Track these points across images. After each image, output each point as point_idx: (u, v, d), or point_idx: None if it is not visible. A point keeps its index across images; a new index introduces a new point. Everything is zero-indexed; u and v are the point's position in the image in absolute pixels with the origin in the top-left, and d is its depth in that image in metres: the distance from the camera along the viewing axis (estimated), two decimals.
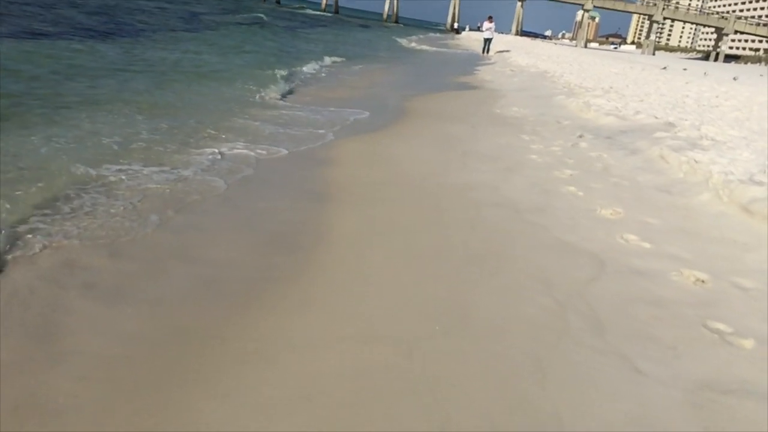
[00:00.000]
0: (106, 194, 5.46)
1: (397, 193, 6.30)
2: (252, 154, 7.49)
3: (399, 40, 50.71)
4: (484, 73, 20.51)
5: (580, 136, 9.18)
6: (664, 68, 30.09)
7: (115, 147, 6.87)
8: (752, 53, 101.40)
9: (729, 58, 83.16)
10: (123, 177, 5.79)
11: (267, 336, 3.51)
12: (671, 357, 3.36)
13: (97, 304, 3.72)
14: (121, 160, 6.37)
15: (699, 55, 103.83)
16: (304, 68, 16.41)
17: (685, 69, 32.83)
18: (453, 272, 4.45)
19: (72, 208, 5.02)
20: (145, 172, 6.10)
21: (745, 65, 68.93)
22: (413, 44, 46.90)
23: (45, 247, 4.31)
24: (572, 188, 6.47)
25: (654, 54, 79.90)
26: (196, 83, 12.26)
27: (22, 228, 4.51)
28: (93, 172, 5.96)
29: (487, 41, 33.99)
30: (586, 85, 15.89)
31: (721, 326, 3.66)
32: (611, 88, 15.37)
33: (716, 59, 79.96)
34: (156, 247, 4.65)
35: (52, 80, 10.48)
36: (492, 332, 3.62)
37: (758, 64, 72.18)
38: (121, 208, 5.20)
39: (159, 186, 5.88)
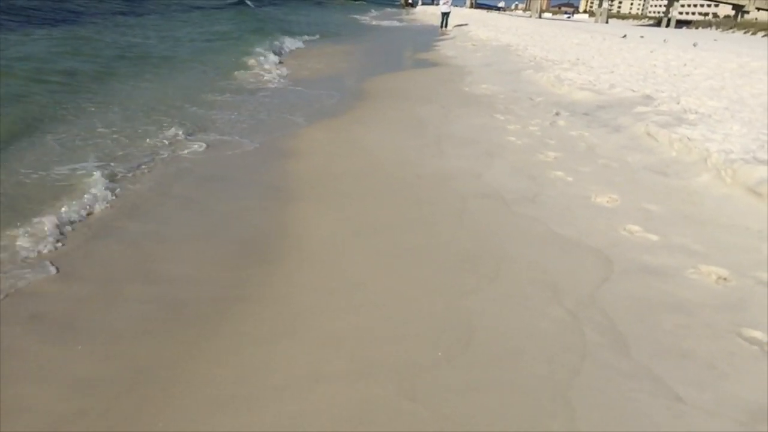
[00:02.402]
0: (52, 198, 4.82)
1: (372, 186, 5.77)
2: (211, 147, 6.86)
3: (356, 16, 49.74)
4: (445, 49, 19.92)
5: (557, 114, 8.75)
6: (624, 36, 29.94)
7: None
8: (702, 18, 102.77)
9: (680, 23, 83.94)
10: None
11: (243, 374, 2.97)
12: (712, 378, 2.93)
13: (45, 344, 3.13)
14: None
15: (651, 22, 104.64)
16: (258, 48, 15.50)
17: (642, 36, 32.74)
18: (447, 278, 3.96)
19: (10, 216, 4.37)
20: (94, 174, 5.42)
21: (697, 30, 69.67)
22: (370, 20, 46.09)
23: None
24: (560, 173, 6.02)
25: (607, 22, 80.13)
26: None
27: None
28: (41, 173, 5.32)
29: (445, 15, 33.24)
30: (552, 57, 15.48)
31: (757, 334, 3.26)
32: (578, 60, 15.00)
33: (668, 25, 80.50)
34: (109, 264, 4.05)
35: None
36: (503, 356, 3.14)
37: (709, 28, 73.01)
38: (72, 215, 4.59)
39: (110, 187, 5.24)
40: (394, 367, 3.04)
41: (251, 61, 13.53)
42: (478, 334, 3.30)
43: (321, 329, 3.37)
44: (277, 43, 17.65)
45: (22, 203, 4.76)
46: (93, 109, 8.06)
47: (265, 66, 13.35)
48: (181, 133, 7.17)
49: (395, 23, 44.01)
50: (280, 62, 14.41)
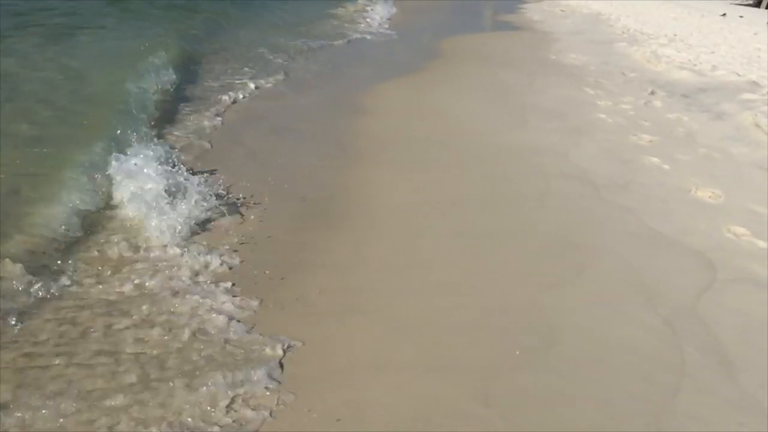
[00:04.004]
0: None
1: (448, 154, 5.39)
2: (285, 96, 6.63)
3: None
4: (531, 12, 18.94)
5: (652, 93, 8.09)
6: (724, 15, 28.01)
7: None
8: None
9: None
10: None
11: (304, 353, 2.72)
12: None
13: None
14: None
15: (750, 1, 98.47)
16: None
17: (741, 16, 30.57)
18: (527, 267, 3.61)
19: None
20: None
21: None
22: None
23: None
24: (655, 159, 5.50)
25: None
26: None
27: None
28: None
29: None
30: (647, 31, 14.49)
31: None
32: (675, 35, 13.97)
33: None
34: None
35: None
36: (589, 365, 2.79)
37: None
38: None
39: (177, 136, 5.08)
40: (465, 363, 2.74)
41: (339, 10, 13.17)
42: (561, 336, 2.96)
43: (387, 311, 3.09)
44: None
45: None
46: None
47: (348, 14, 13.00)
48: (254, 79, 6.93)
49: None
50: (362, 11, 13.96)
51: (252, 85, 6.71)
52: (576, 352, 2.86)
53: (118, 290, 3.01)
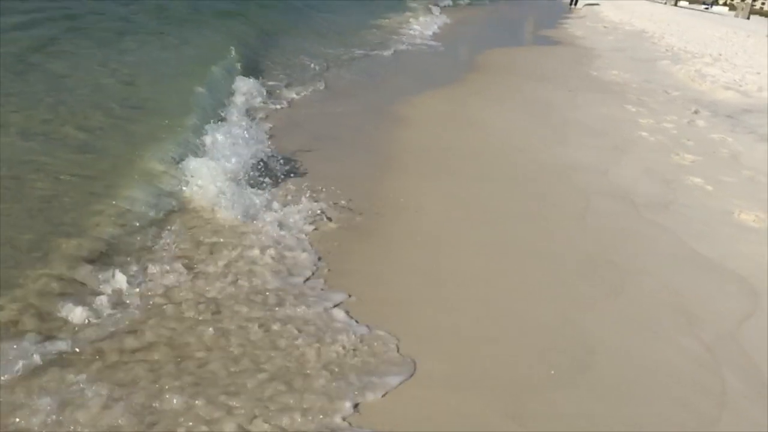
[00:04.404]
0: None
1: (485, 167, 5.37)
2: (324, 102, 6.69)
3: None
4: (573, 28, 18.85)
5: (696, 112, 7.96)
6: None
7: None
8: None
9: None
10: None
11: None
12: None
13: None
14: None
15: None
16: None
17: None
18: (563, 286, 3.56)
19: None
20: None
21: None
22: None
23: None
24: (698, 180, 5.40)
25: (749, 18, 74.04)
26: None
27: None
28: None
29: None
30: (691, 49, 14.29)
31: None
32: (720, 55, 13.75)
33: None
34: None
35: None
36: (626, 387, 2.74)
37: None
38: None
39: None
40: (498, 379, 2.71)
41: (383, 21, 13.32)
42: (597, 357, 2.91)
43: (419, 322, 3.07)
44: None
45: None
46: None
47: (392, 24, 13.14)
48: (295, 86, 7.03)
49: None
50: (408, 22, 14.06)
51: (293, 94, 6.79)
52: (612, 374, 2.81)
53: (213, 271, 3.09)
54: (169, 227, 3.49)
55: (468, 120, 6.80)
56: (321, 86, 7.40)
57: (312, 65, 8.27)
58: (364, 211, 4.28)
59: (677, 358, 2.97)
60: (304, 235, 3.71)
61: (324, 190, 4.48)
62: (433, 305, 3.23)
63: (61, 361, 2.36)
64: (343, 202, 4.34)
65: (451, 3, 19.35)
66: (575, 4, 31.31)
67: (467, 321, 3.13)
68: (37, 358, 2.31)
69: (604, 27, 19.46)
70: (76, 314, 2.60)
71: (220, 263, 3.23)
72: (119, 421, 2.13)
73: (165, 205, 3.70)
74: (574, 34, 17.44)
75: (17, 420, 2.07)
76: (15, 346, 2.35)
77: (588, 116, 7.38)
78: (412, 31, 12.81)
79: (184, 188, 3.90)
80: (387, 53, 10.33)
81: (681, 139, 6.69)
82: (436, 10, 16.56)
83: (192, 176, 3.95)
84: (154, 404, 2.23)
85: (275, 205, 3.97)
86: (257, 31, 9.48)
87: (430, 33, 13.20)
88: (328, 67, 8.47)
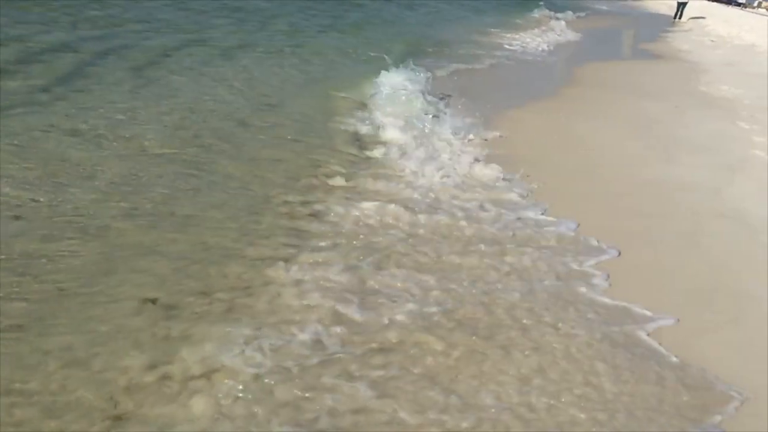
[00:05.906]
0: None
1: (585, 184, 5.18)
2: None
3: None
4: (677, 41, 18.05)
5: None
6: None
7: None
8: None
9: None
10: None
11: None
12: None
13: None
14: None
15: None
16: None
17: None
18: (675, 308, 3.39)
19: None
20: None
21: None
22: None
23: None
24: None
25: None
26: None
27: None
28: None
29: (681, 5, 30.15)
30: None
31: None
32: None
33: None
34: None
35: None
36: (749, 420, 2.57)
37: None
38: None
39: None
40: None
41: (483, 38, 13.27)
42: (715, 386, 2.76)
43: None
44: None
45: None
46: None
47: (491, 40, 13.07)
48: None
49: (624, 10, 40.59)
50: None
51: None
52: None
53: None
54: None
55: (567, 134, 6.62)
56: None
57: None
58: None
59: None
60: None
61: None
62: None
63: None
64: None
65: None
66: (680, 17, 29.95)
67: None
68: None
69: (712, 41, 18.54)
70: None
71: None
72: None
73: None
74: (678, 47, 16.70)
75: None
76: None
77: (697, 133, 7.05)
78: (508, 46, 12.58)
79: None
80: (485, 66, 10.20)
81: None
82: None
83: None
84: None
85: None
86: (351, 39, 9.65)
87: (531, 48, 12.95)
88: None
